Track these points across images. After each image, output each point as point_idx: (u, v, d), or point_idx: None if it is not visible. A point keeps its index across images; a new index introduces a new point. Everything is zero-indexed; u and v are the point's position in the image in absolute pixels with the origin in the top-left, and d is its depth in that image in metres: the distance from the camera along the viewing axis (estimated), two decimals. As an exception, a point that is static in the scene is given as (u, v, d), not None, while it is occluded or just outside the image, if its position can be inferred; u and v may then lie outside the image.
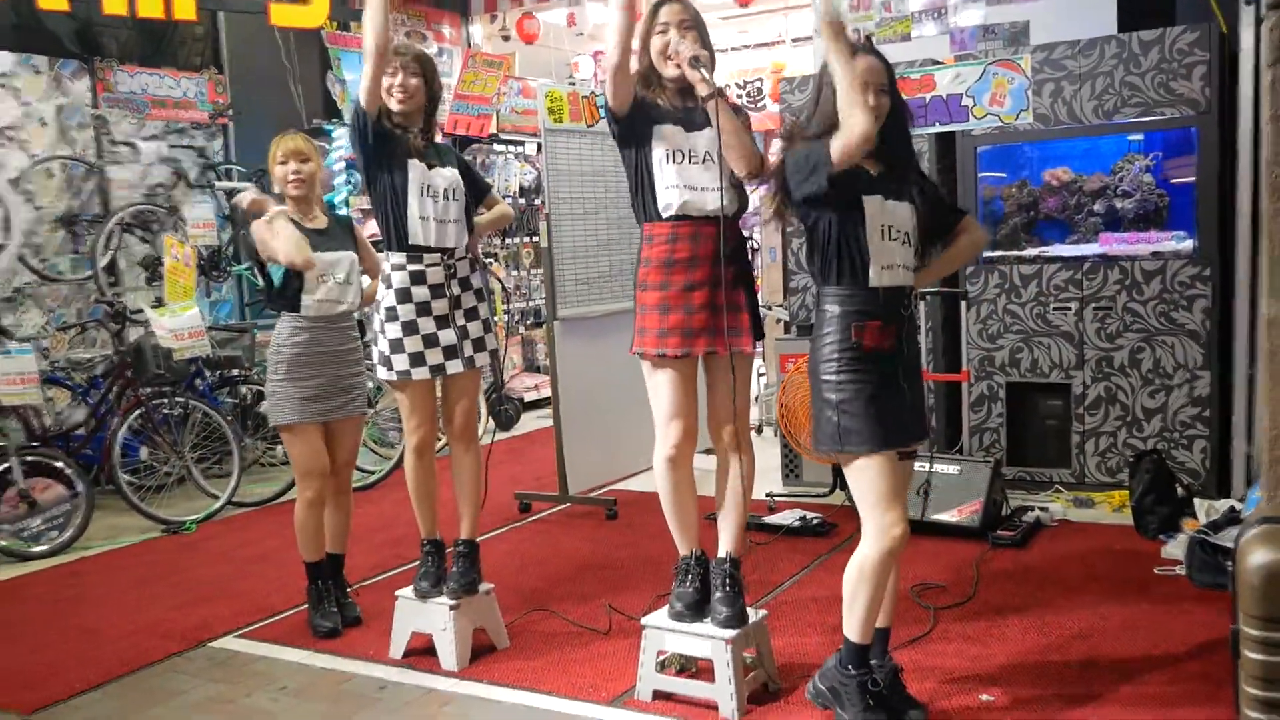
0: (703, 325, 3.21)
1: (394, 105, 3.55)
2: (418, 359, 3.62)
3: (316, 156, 3.98)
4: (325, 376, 3.96)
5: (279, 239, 3.78)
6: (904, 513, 2.88)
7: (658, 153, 3.19)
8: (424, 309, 3.61)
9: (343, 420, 4.05)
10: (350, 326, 4.06)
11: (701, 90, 3.12)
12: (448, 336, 3.64)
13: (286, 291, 3.90)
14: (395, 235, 3.58)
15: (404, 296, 3.59)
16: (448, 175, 3.60)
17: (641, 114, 3.21)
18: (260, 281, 4.17)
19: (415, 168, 3.54)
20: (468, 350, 3.69)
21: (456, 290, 3.65)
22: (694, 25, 3.20)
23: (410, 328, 3.60)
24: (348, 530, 4.21)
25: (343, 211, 7.03)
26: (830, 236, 2.89)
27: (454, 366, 3.66)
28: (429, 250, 3.58)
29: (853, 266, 2.88)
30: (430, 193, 3.56)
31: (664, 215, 3.21)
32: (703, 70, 3.10)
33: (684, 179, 3.18)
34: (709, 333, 3.21)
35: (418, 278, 3.59)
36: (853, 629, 2.95)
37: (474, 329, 3.70)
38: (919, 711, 3.05)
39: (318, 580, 4.09)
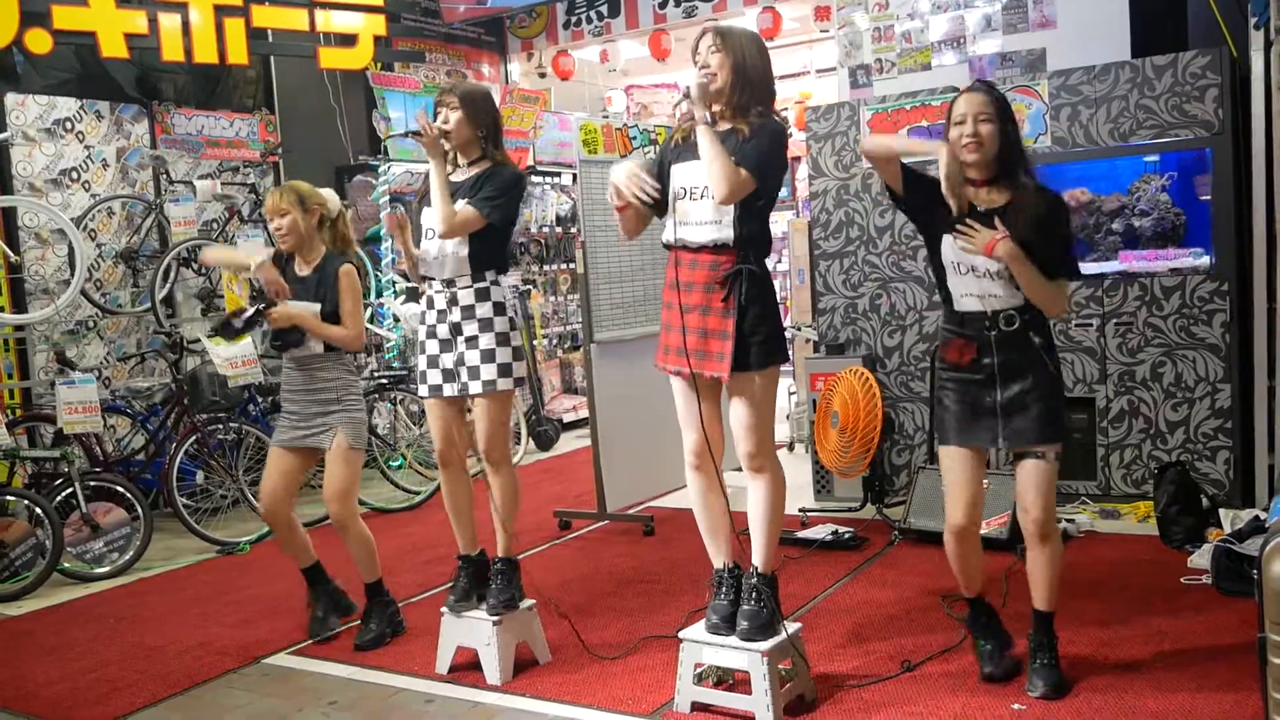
0: (693, 348, 3.31)
1: (445, 144, 3.71)
2: (423, 378, 3.86)
3: (296, 209, 4.12)
4: (295, 411, 4.18)
5: None
6: (960, 505, 3.33)
7: (672, 193, 3.36)
8: (431, 332, 3.83)
9: (313, 450, 4.19)
10: (321, 368, 4.15)
11: (697, 116, 3.19)
12: (446, 360, 3.79)
13: None
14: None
15: (421, 319, 3.88)
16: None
17: (659, 176, 3.42)
18: None
19: (425, 214, 3.80)
20: (463, 376, 3.76)
21: (457, 317, 3.76)
22: (721, 49, 3.26)
23: (422, 348, 3.87)
24: (362, 558, 4.24)
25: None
26: (931, 266, 3.43)
27: (449, 390, 3.79)
28: (433, 279, 3.81)
29: (946, 294, 3.36)
30: (430, 234, 3.77)
31: (665, 245, 3.41)
32: (685, 102, 3.21)
33: (684, 215, 3.31)
34: (698, 356, 3.31)
35: (429, 303, 3.84)
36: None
37: (470, 357, 3.75)
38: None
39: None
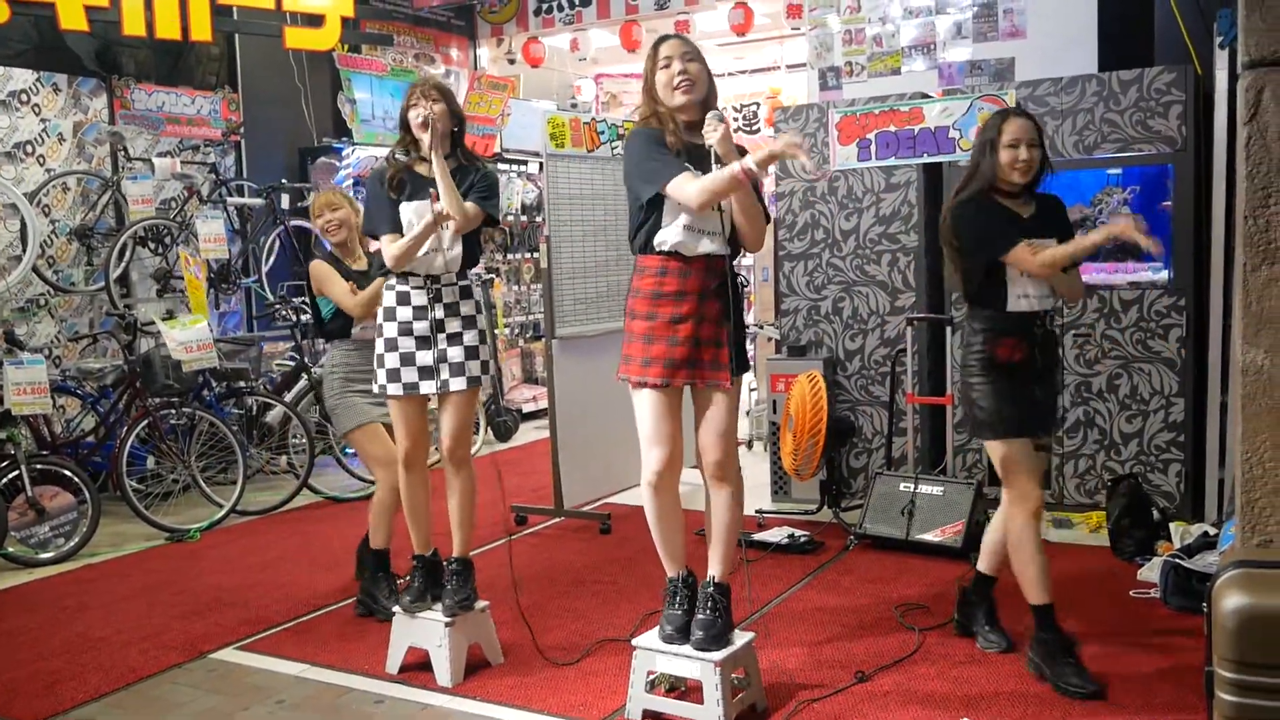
0: (684, 358, 3.27)
1: (426, 136, 3.62)
2: (394, 375, 3.75)
3: (349, 205, 4.57)
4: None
5: (334, 289, 4.47)
6: (1034, 487, 3.51)
7: (669, 201, 3.25)
8: (405, 329, 3.73)
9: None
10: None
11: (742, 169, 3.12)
12: (425, 357, 3.72)
13: (335, 324, 4.55)
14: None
15: (389, 315, 3.75)
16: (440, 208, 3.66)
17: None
18: (310, 311, 4.89)
19: (406, 211, 3.67)
20: (444, 373, 3.72)
21: (440, 314, 3.72)
22: (695, 57, 3.28)
23: (391, 345, 3.75)
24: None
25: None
26: (984, 277, 3.57)
27: (428, 387, 3.74)
28: (414, 274, 3.72)
29: (994, 296, 3.54)
30: (414, 228, 3.68)
31: (657, 249, 3.28)
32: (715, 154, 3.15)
33: (697, 224, 3.24)
34: (690, 365, 3.28)
35: (403, 298, 3.73)
36: (1030, 593, 3.51)
37: (454, 354, 3.72)
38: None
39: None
